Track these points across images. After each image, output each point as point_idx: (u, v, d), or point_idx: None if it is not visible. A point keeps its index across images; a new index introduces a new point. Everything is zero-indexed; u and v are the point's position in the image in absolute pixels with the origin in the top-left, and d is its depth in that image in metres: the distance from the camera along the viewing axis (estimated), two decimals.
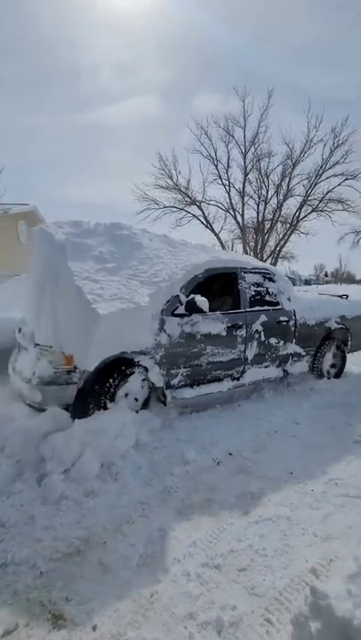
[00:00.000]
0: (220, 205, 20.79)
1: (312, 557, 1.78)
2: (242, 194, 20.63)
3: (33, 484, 2.29)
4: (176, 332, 3.32)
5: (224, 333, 3.65)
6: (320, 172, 19.24)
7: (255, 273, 4.15)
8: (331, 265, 64.29)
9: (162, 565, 1.73)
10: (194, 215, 20.71)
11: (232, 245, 21.94)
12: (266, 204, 20.77)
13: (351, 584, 1.37)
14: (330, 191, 19.20)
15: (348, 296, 5.32)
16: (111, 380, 3.00)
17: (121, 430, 2.74)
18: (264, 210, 20.83)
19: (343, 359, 4.96)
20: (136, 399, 3.22)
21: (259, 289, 4.11)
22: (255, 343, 3.94)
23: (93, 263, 3.23)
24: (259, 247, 20.82)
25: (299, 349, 4.40)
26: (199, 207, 20.57)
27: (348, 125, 18.77)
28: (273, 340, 4.11)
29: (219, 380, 3.76)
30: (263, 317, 4.00)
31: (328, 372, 4.78)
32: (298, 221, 20.23)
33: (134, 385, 3.17)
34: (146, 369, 3.18)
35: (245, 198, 20.77)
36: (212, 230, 20.94)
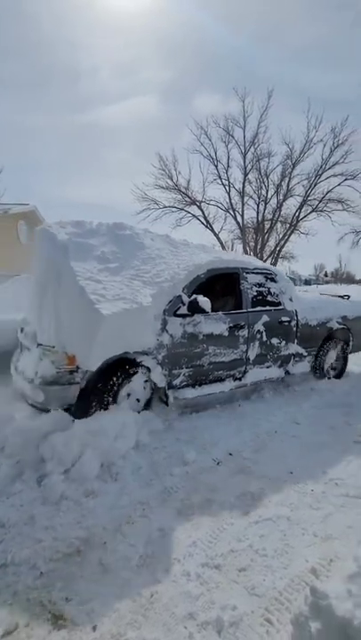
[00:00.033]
0: (219, 205, 20.83)
1: (312, 557, 1.78)
2: (242, 194, 20.64)
3: (33, 485, 2.29)
4: (178, 333, 3.32)
5: (226, 334, 3.65)
6: (320, 172, 19.26)
7: (257, 273, 4.15)
8: (331, 265, 64.34)
9: (162, 565, 1.73)
10: (194, 215, 20.73)
11: (232, 245, 21.96)
12: (266, 204, 20.78)
13: (351, 584, 1.37)
14: (330, 191, 19.22)
15: (349, 296, 5.33)
16: (114, 380, 3.00)
17: (121, 430, 2.74)
18: (264, 210, 20.85)
19: (345, 359, 4.97)
20: (138, 400, 3.22)
21: (261, 289, 4.11)
22: (257, 343, 3.95)
23: (96, 263, 3.23)
24: (259, 247, 20.82)
25: (300, 350, 4.40)
26: (199, 207, 20.59)
27: (348, 125, 18.76)
28: (275, 341, 4.11)
29: (221, 380, 3.76)
30: (265, 317, 4.00)
31: (330, 373, 4.79)
32: (298, 221, 20.24)
33: (137, 385, 3.17)
34: (148, 369, 3.18)
35: (245, 198, 20.79)
36: (212, 230, 20.96)
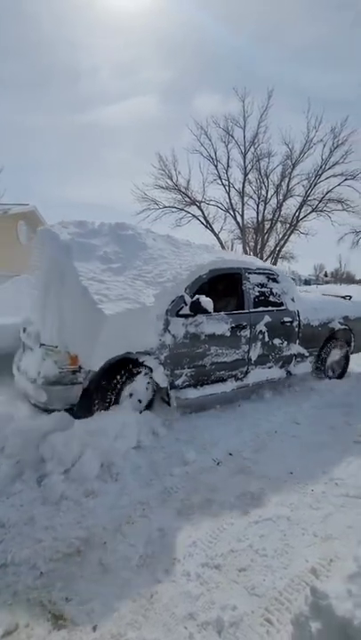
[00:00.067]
0: (219, 205, 20.83)
1: (312, 557, 1.78)
2: (242, 194, 20.64)
3: (33, 485, 2.29)
4: (180, 333, 3.32)
5: (228, 334, 3.65)
6: (320, 173, 19.26)
7: (259, 273, 4.16)
8: (330, 265, 64.34)
9: (162, 565, 1.73)
10: (194, 215, 20.73)
11: (232, 245, 21.96)
12: (266, 204, 20.79)
13: (351, 584, 1.37)
14: (329, 191, 19.22)
15: (351, 297, 5.33)
16: (116, 380, 3.00)
17: (121, 430, 2.74)
18: (264, 210, 20.86)
19: (346, 360, 4.97)
20: (140, 401, 3.22)
21: (263, 289, 4.12)
22: (259, 344, 3.95)
23: (99, 263, 3.24)
24: (258, 247, 20.83)
25: (302, 350, 4.40)
26: (199, 207, 20.59)
27: (348, 126, 18.78)
28: (277, 341, 4.11)
29: (223, 380, 3.76)
30: (267, 318, 4.00)
31: (331, 373, 4.79)
32: (298, 221, 20.24)
33: (139, 385, 3.17)
34: (150, 369, 3.18)
35: (245, 198, 20.80)
36: (212, 230, 20.97)
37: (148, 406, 3.29)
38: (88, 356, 2.82)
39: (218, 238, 20.90)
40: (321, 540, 1.91)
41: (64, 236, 3.31)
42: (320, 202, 19.53)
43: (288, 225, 20.46)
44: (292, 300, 4.34)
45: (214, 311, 3.46)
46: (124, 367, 3.04)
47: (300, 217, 20.15)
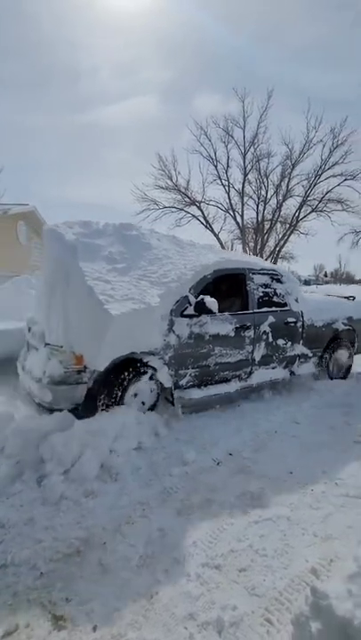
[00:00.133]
0: (219, 206, 20.82)
1: (312, 557, 1.78)
2: (241, 194, 20.64)
3: (33, 485, 2.29)
4: (185, 333, 3.32)
5: (232, 334, 3.65)
6: (319, 173, 19.26)
7: (263, 274, 4.16)
8: (330, 265, 64.41)
9: (162, 566, 1.73)
10: (193, 215, 20.72)
11: (231, 246, 21.95)
12: (265, 204, 20.78)
13: (351, 584, 1.37)
14: (329, 191, 19.22)
15: (354, 297, 5.34)
16: (121, 380, 3.00)
17: (121, 431, 2.73)
18: (263, 210, 20.86)
19: (350, 360, 4.96)
20: (143, 403, 3.21)
21: (267, 290, 4.12)
22: (263, 344, 3.95)
23: (104, 263, 3.24)
24: (258, 247, 20.83)
25: (306, 350, 4.40)
26: (199, 207, 20.58)
27: (348, 126, 18.85)
28: (280, 342, 4.11)
29: (226, 380, 3.76)
30: (271, 318, 4.00)
31: (335, 373, 4.79)
32: (297, 222, 20.24)
33: (143, 385, 3.17)
34: (155, 369, 3.18)
35: (245, 199, 20.78)
36: (212, 231, 20.96)
37: (153, 406, 3.29)
38: (93, 355, 2.82)
39: (218, 238, 20.91)
40: (321, 540, 1.91)
41: (69, 236, 3.31)
42: (320, 202, 19.54)
43: (288, 225, 20.47)
44: (296, 300, 4.34)
45: (218, 311, 3.46)
46: (128, 367, 3.04)
47: (300, 217, 20.16)
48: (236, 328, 3.69)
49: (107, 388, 2.97)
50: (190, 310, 3.34)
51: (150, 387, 3.22)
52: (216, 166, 20.36)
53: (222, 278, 3.83)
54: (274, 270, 4.33)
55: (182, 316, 3.32)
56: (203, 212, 20.67)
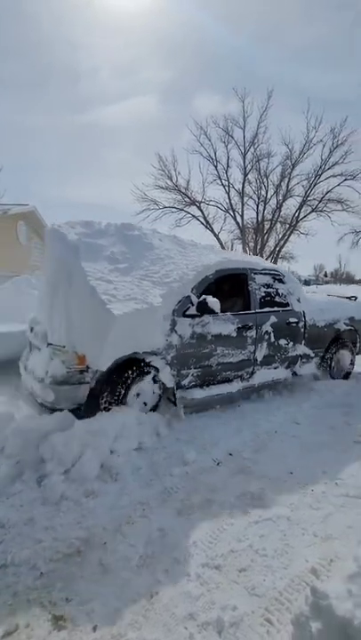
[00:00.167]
0: (219, 206, 20.86)
1: (312, 557, 1.78)
2: (241, 194, 20.65)
3: (33, 485, 2.29)
4: (187, 333, 3.32)
5: (234, 334, 3.65)
6: (319, 173, 19.29)
7: (265, 274, 4.16)
8: (330, 265, 64.52)
9: (162, 566, 1.73)
10: (193, 216, 20.75)
11: (231, 246, 21.97)
12: (265, 204, 20.82)
13: (351, 584, 1.37)
14: (329, 191, 19.26)
15: (356, 297, 5.35)
16: (123, 380, 3.00)
17: (121, 431, 2.73)
18: (263, 210, 20.89)
19: (352, 360, 4.97)
20: (145, 403, 3.21)
21: (269, 290, 4.12)
22: (265, 344, 3.95)
23: (106, 263, 3.24)
24: (258, 247, 20.84)
25: (308, 351, 4.41)
26: (199, 208, 20.60)
27: (348, 126, 18.89)
28: (282, 342, 4.12)
29: (229, 380, 3.76)
30: (273, 318, 4.01)
31: (337, 374, 4.79)
32: (297, 222, 20.27)
33: (145, 385, 3.17)
34: (157, 369, 3.18)
35: (245, 199, 20.82)
36: (212, 231, 20.99)
37: (155, 407, 3.29)
38: (96, 355, 2.82)
39: (218, 239, 20.93)
40: (321, 540, 1.91)
41: (71, 236, 3.31)
42: (320, 202, 19.57)
43: (288, 225, 20.49)
44: (298, 300, 4.35)
45: (221, 311, 3.46)
46: (130, 367, 3.04)
47: (300, 217, 20.19)
48: (238, 328, 3.69)
49: (109, 388, 2.98)
50: (192, 310, 3.34)
51: (153, 387, 3.22)
52: (216, 166, 20.41)
53: (224, 278, 3.84)
54: (275, 270, 4.33)
55: (184, 316, 3.32)
56: (203, 212, 20.73)
